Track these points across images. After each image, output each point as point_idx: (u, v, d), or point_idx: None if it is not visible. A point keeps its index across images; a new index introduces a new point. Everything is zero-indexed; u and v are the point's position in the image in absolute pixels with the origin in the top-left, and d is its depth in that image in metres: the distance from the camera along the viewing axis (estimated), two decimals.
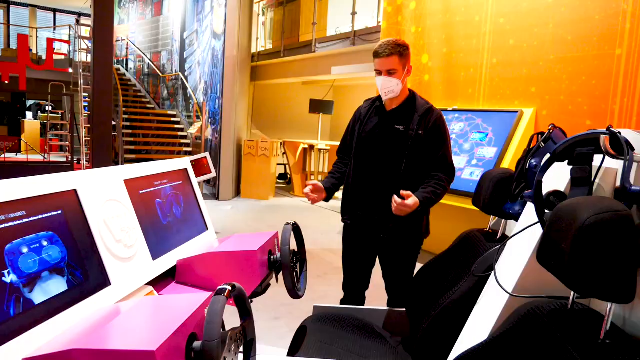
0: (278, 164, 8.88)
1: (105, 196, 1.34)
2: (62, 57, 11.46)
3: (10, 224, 1.01)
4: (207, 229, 1.94)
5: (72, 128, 6.74)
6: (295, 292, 1.60)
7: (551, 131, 1.36)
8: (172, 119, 10.59)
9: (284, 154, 8.87)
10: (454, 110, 4.65)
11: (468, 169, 4.16)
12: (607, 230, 0.78)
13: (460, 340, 1.40)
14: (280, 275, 1.65)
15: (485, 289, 1.37)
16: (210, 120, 8.34)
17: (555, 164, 1.14)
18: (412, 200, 1.97)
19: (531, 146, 1.46)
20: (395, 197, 1.97)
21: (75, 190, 1.23)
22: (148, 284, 1.44)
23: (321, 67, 7.55)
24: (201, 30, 9.15)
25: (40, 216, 1.09)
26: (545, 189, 1.17)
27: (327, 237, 5.69)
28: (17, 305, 0.96)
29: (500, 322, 1.17)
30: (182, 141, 9.82)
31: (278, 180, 9.51)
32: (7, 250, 0.98)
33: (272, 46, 9.12)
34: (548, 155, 1.39)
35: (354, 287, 2.37)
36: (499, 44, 4.35)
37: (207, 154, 2.11)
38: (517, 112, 4.10)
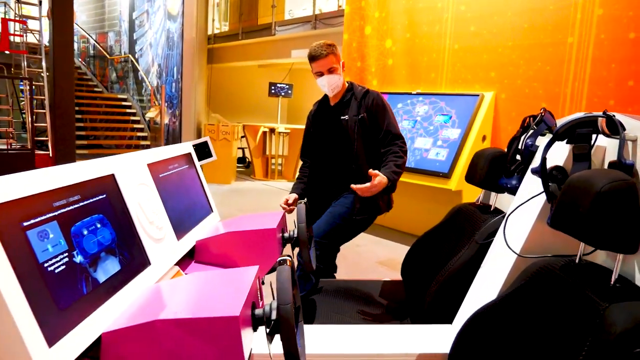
0: (237, 148, 8.85)
1: (136, 180, 1.38)
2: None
3: (71, 207, 1.05)
4: (213, 211, 2.00)
5: (31, 114, 6.37)
6: (310, 265, 1.71)
7: (543, 114, 1.53)
8: (123, 103, 10.24)
9: (243, 137, 8.84)
10: (418, 94, 4.85)
11: (434, 150, 4.38)
12: (620, 195, 0.95)
13: (467, 301, 1.57)
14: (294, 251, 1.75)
15: (489, 254, 1.54)
16: (167, 104, 8.16)
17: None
18: (379, 178, 2.10)
19: (524, 126, 1.62)
20: (354, 185, 2.12)
21: (113, 175, 1.27)
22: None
23: (281, 50, 7.55)
24: (152, 11, 8.86)
25: (92, 199, 1.13)
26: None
27: (294, 217, 5.80)
28: (88, 284, 1.01)
29: (510, 281, 1.33)
30: (135, 126, 9.54)
31: (237, 165, 9.48)
32: (73, 232, 1.03)
33: (228, 28, 8.98)
34: (543, 136, 1.56)
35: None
36: (460, 31, 4.57)
37: (207, 138, 2.15)
38: (478, 95, 4.35)
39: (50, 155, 5.73)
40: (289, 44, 7.32)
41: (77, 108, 9.57)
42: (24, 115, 7.47)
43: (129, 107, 10.09)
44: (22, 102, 7.88)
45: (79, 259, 1.01)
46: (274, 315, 1.01)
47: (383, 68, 5.34)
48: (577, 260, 1.14)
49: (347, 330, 1.59)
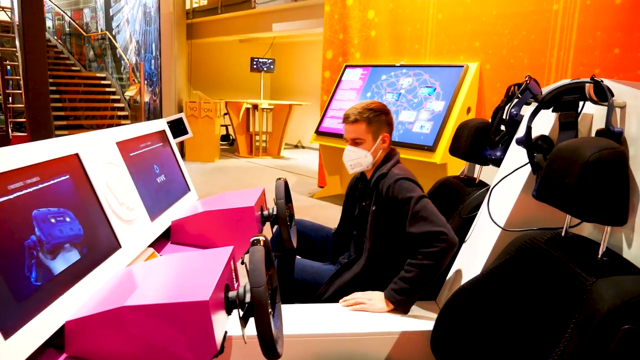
0: (221, 125, 8.70)
1: (104, 159, 1.31)
2: None
3: (28, 190, 0.98)
4: (190, 190, 1.94)
5: (5, 96, 6.12)
6: (290, 243, 1.67)
7: (528, 82, 1.48)
8: (102, 82, 9.96)
9: (225, 114, 8.68)
10: (402, 66, 4.76)
11: (418, 123, 4.33)
12: (609, 164, 0.90)
13: (451, 276, 1.54)
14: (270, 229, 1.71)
15: (473, 229, 1.50)
16: (147, 81, 7.95)
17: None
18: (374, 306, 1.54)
19: (509, 95, 1.57)
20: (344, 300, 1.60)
21: (77, 155, 1.20)
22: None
23: (261, 24, 7.36)
24: None
25: (52, 181, 1.06)
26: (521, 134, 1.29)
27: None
28: (47, 273, 0.95)
29: (494, 255, 1.30)
30: (115, 105, 9.31)
31: (221, 142, 9.34)
32: (34, 216, 0.96)
33: (207, 2, 8.71)
34: (528, 105, 1.51)
35: None
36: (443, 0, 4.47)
37: (182, 115, 2.06)
38: (462, 66, 4.28)
39: (28, 137, 5.57)
40: (270, 17, 7.13)
41: (55, 88, 9.30)
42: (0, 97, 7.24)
43: (109, 85, 9.82)
44: None
45: (37, 247, 0.95)
46: (247, 298, 0.97)
47: (366, 40, 5.23)
48: (562, 234, 1.11)
49: (326, 309, 1.56)
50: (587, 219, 0.94)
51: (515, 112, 1.49)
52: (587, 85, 1.16)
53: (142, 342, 0.89)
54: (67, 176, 1.12)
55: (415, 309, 1.53)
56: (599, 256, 0.97)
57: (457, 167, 3.93)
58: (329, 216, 4.62)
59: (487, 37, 4.22)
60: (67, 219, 1.04)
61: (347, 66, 5.32)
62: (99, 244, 1.14)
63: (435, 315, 1.29)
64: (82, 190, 1.16)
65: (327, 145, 5.14)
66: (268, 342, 0.92)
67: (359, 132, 1.72)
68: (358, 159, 1.74)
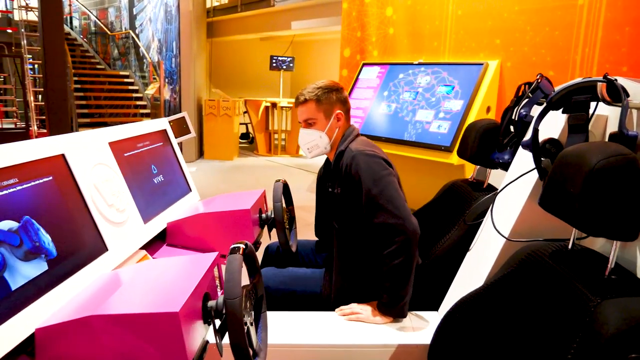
0: (240, 124, 8.72)
1: (93, 160, 1.28)
2: (0, 15, 10.58)
3: (3, 192, 0.95)
4: (191, 191, 1.90)
5: (24, 93, 6.29)
6: (288, 247, 1.62)
7: (539, 81, 1.39)
8: (125, 80, 10.10)
9: (245, 112, 8.69)
10: (420, 64, 4.66)
11: (435, 122, 4.22)
12: (617, 172, 0.82)
13: (454, 286, 1.46)
14: (273, 233, 1.66)
15: (478, 237, 1.42)
16: (167, 80, 8.02)
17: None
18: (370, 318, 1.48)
19: (519, 95, 1.48)
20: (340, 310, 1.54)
21: (63, 155, 1.17)
22: (141, 248, 1.41)
23: (281, 22, 7.33)
24: None
25: (32, 182, 1.03)
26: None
27: (296, 194, 5.67)
28: (17, 279, 0.92)
29: (498, 266, 1.22)
30: (138, 103, 9.42)
31: (240, 140, 9.37)
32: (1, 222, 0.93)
33: (227, 1, 8.73)
34: (539, 106, 1.42)
35: None
36: None
37: (185, 114, 2.03)
38: (482, 64, 4.15)
39: (47, 134, 5.69)
40: (289, 15, 7.09)
41: (79, 86, 9.48)
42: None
43: (131, 83, 9.94)
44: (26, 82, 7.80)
45: (9, 251, 0.92)
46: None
47: (384, 38, 5.14)
48: (569, 246, 1.02)
49: (320, 317, 1.50)
50: (591, 232, 0.86)
51: (524, 113, 1.40)
52: (599, 84, 1.07)
53: (112, 353, 0.85)
54: (50, 178, 1.10)
55: (415, 320, 1.46)
56: (607, 274, 0.89)
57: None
58: None
59: (509, 34, 4.08)
60: (44, 223, 1.01)
61: (364, 64, 5.24)
62: (82, 247, 1.11)
63: (434, 327, 1.22)
64: (66, 193, 1.13)
65: None
66: (243, 354, 0.88)
67: (310, 112, 1.65)
68: (313, 141, 1.66)
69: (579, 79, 1.15)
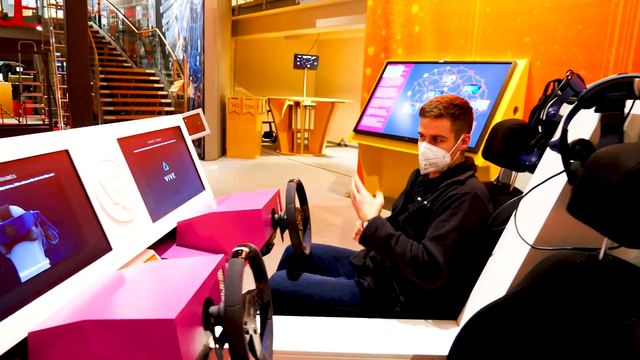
0: (263, 122, 8.72)
1: (99, 156, 1.25)
2: (30, 12, 10.84)
3: (1, 188, 0.92)
4: (204, 189, 1.87)
5: (48, 89, 6.43)
6: (301, 249, 1.56)
7: (569, 78, 1.30)
8: (151, 78, 10.22)
9: (268, 111, 8.69)
10: (446, 63, 4.54)
11: None
12: None
13: (474, 295, 1.38)
14: (286, 234, 1.60)
15: (501, 242, 1.34)
16: (191, 77, 8.07)
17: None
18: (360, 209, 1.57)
19: (547, 94, 1.39)
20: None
21: (67, 151, 1.14)
22: (149, 247, 1.37)
23: (305, 20, 7.28)
24: None
25: (33, 179, 1.00)
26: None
27: (318, 194, 5.65)
28: (13, 279, 0.89)
29: (521, 275, 1.14)
30: (163, 100, 9.53)
31: (263, 139, 9.37)
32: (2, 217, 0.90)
33: None
34: (569, 104, 1.33)
35: None
36: None
37: (199, 110, 2.00)
38: (510, 63, 4.02)
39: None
40: (314, 13, 7.04)
41: (106, 83, 9.64)
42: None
43: (157, 81, 10.06)
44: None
45: (4, 250, 0.88)
46: None
47: (409, 36, 5.03)
48: (600, 256, 0.93)
49: (331, 323, 1.44)
50: (625, 242, 0.77)
51: (553, 112, 1.31)
52: (636, 80, 0.97)
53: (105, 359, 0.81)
54: (52, 174, 1.06)
55: (432, 329, 1.39)
56: None
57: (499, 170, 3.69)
58: None
59: (538, 32, 3.93)
60: (43, 221, 0.98)
61: (388, 63, 5.15)
62: (83, 247, 1.08)
63: (452, 338, 1.14)
64: (69, 190, 1.10)
65: (366, 144, 5.00)
66: None
67: (442, 129, 1.54)
68: (436, 159, 1.56)
69: (613, 75, 1.06)
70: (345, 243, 3.79)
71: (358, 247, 1.70)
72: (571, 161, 1.07)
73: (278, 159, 8.11)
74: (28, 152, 1.02)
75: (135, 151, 1.46)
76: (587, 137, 1.11)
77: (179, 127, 1.83)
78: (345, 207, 4.99)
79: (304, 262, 1.83)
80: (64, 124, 7.53)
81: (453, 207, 1.46)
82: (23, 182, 0.97)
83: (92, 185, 1.17)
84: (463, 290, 1.43)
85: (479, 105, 4.06)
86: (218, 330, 0.90)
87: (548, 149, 1.29)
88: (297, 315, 1.50)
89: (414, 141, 4.37)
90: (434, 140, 1.56)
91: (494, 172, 3.78)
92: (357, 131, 5.03)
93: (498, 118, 3.89)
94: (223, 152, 8.16)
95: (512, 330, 1.02)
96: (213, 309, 0.91)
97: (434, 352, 1.26)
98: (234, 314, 0.80)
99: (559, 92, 1.31)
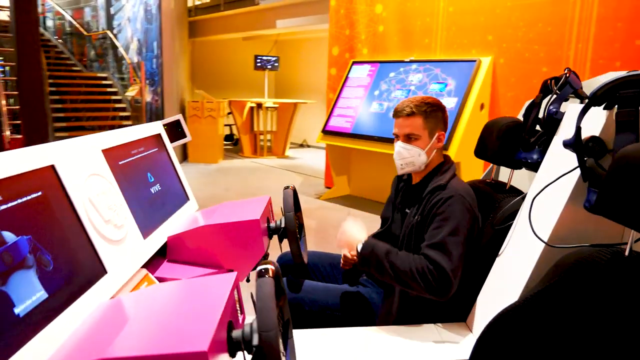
0: (225, 125, 8.54)
1: (86, 171, 1.14)
2: None
3: None
4: (189, 199, 1.77)
5: None
6: (301, 257, 1.50)
7: (567, 76, 1.30)
8: (103, 82, 9.80)
9: (229, 114, 8.52)
10: (411, 62, 4.58)
11: None
12: None
13: (483, 295, 1.36)
14: (283, 242, 1.54)
15: (508, 242, 1.33)
16: (148, 81, 7.80)
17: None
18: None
19: (544, 89, 1.39)
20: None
21: (53, 166, 1.03)
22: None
23: (265, 21, 7.19)
24: None
25: (19, 200, 0.89)
26: (566, 136, 1.12)
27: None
28: (10, 315, 0.78)
29: (537, 274, 1.13)
30: (117, 105, 9.16)
31: (225, 142, 9.18)
32: None
33: None
34: (569, 102, 1.33)
35: None
36: None
37: (180, 116, 1.90)
38: (475, 61, 4.10)
39: (22, 139, 5.42)
40: (274, 13, 6.96)
41: (55, 89, 9.15)
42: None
43: (110, 85, 9.66)
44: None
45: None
46: (255, 340, 0.80)
47: (373, 35, 5.05)
48: (626, 252, 0.93)
49: (340, 335, 1.39)
50: None
51: (554, 110, 1.31)
52: None
53: None
54: (40, 193, 0.96)
55: (443, 333, 1.36)
56: None
57: (470, 166, 3.74)
58: (337, 218, 4.46)
59: (501, 30, 4.03)
60: (36, 247, 0.87)
61: (354, 62, 5.14)
62: (78, 272, 0.98)
63: (464, 339, 1.12)
64: (58, 209, 0.99)
65: (334, 144, 4.97)
66: None
67: (415, 127, 1.55)
68: (411, 158, 1.57)
69: (623, 72, 1.06)
70: (323, 246, 3.74)
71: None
72: (586, 158, 1.06)
73: (241, 162, 7.97)
74: (12, 170, 0.91)
75: (120, 163, 1.35)
76: (596, 134, 1.12)
77: (159, 135, 1.73)
78: (318, 208, 4.95)
79: (299, 271, 1.77)
80: (9, 132, 7.07)
81: (442, 212, 1.46)
82: (10, 204, 0.86)
83: (82, 202, 1.07)
84: (468, 291, 1.41)
85: (447, 103, 4.12)
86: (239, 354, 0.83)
87: (552, 146, 1.29)
88: (305, 326, 1.44)
89: (383, 140, 4.38)
90: (408, 139, 1.57)
91: (465, 168, 3.84)
92: (325, 132, 5.00)
93: (466, 115, 3.95)
94: (184, 157, 7.94)
95: (536, 332, 1.00)
96: (236, 333, 0.84)
97: (449, 357, 1.23)
98: (271, 340, 0.74)
99: (558, 90, 1.32)
